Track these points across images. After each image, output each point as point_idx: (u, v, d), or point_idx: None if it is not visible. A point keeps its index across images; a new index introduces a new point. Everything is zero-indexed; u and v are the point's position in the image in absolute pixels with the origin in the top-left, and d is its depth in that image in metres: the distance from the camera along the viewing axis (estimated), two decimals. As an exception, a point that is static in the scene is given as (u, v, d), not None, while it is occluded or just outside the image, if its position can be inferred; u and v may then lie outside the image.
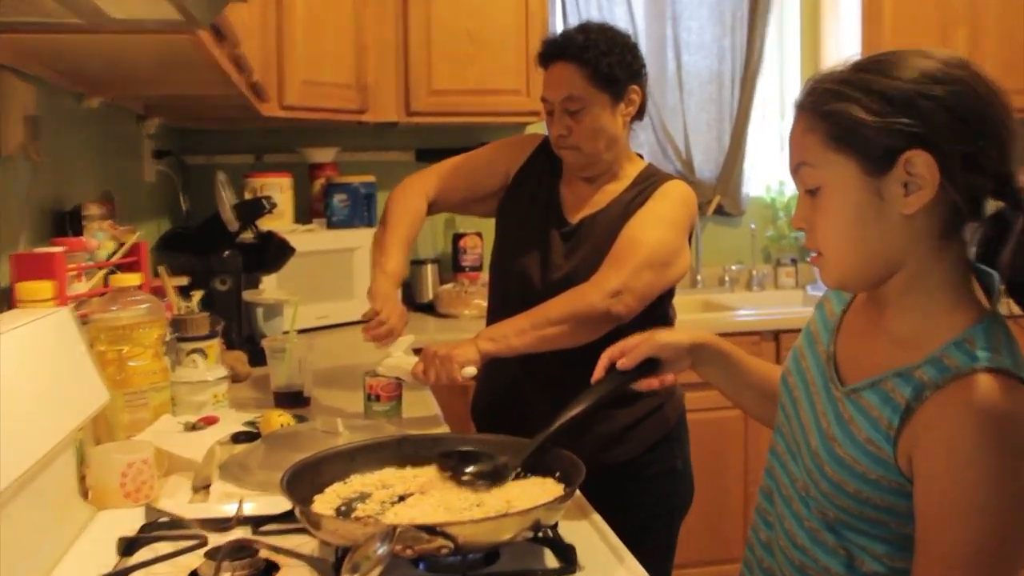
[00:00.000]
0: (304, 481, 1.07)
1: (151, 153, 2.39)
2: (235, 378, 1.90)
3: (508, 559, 0.98)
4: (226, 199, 2.11)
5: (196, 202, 2.75)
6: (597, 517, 1.14)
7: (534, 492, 1.06)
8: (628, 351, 1.13)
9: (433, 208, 1.81)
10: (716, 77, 3.40)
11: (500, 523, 0.92)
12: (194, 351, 1.64)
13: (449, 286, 3.00)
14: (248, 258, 2.12)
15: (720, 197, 3.40)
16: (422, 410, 1.72)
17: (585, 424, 1.44)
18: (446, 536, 0.86)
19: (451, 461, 1.07)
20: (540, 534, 1.00)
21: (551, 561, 0.99)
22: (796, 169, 0.94)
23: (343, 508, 1.03)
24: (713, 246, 3.48)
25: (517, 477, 1.10)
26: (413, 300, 3.08)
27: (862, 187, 0.89)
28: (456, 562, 0.92)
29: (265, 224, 2.31)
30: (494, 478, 1.05)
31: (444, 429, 1.62)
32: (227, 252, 2.10)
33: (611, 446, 1.68)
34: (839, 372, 0.99)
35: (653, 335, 1.14)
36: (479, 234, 3.10)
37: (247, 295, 2.15)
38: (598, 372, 1.13)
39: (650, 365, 1.13)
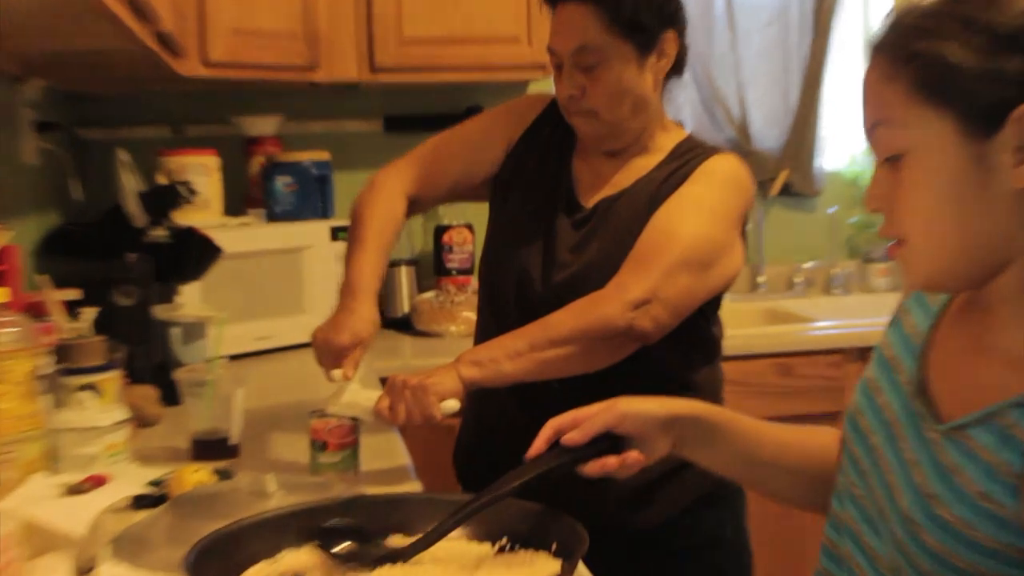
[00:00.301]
0: (217, 560, 1.07)
1: (31, 126, 2.38)
2: (142, 422, 1.91)
3: None
4: (131, 185, 2.12)
5: (92, 190, 2.73)
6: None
7: (517, 572, 1.06)
8: (580, 422, 1.14)
9: (416, 207, 1.84)
10: (780, 15, 3.39)
11: None
12: (84, 387, 1.64)
13: (430, 295, 3.01)
14: (161, 263, 2.13)
15: (788, 173, 3.41)
16: (386, 460, 1.72)
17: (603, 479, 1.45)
18: None
19: (332, 539, 1.09)
20: None
21: None
22: (872, 130, 0.95)
23: None
24: (779, 238, 3.48)
25: (503, 551, 1.12)
26: (383, 314, 3.07)
27: (960, 152, 0.89)
28: None
29: (184, 218, 2.31)
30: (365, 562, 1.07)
31: (415, 486, 1.61)
32: (132, 256, 2.11)
33: (635, 507, 1.69)
34: (933, 406, 0.99)
35: (615, 404, 1.15)
36: (469, 226, 3.10)
37: (159, 312, 2.15)
38: (537, 445, 1.14)
39: (610, 441, 1.14)
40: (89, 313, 1.82)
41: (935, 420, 0.98)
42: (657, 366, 1.65)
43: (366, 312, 1.66)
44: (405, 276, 3.09)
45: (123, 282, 2.08)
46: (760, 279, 3.46)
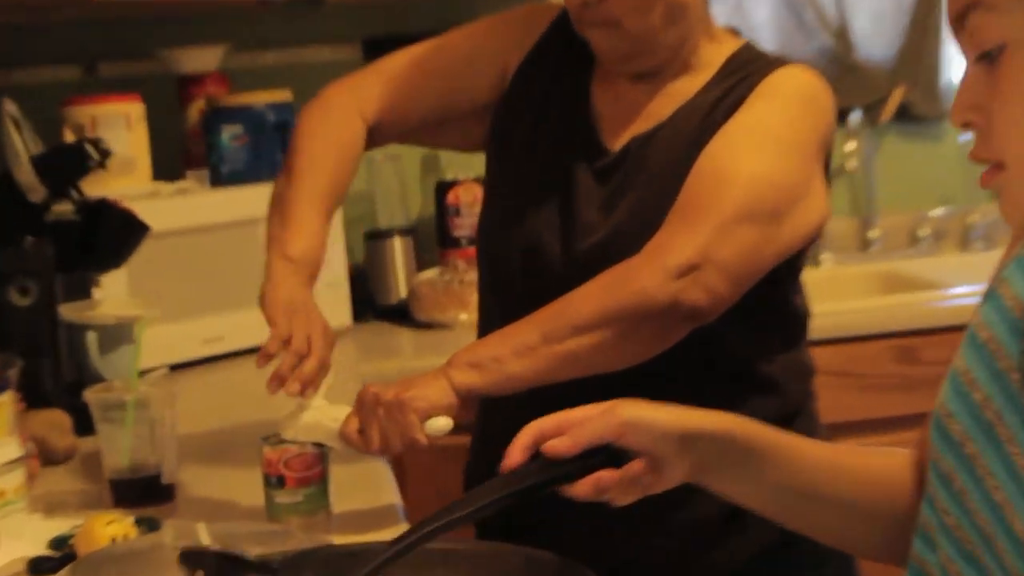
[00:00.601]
0: None
1: None
2: (48, 459, 1.94)
3: None
4: (21, 147, 2.12)
5: None
6: None
7: None
8: (569, 427, 1.14)
9: (377, 135, 1.84)
10: None
11: None
12: None
13: (432, 273, 3.02)
14: (67, 248, 2.13)
15: (904, 91, 3.38)
16: (369, 497, 1.72)
17: (645, 509, 1.46)
18: None
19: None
20: None
21: None
22: (962, 17, 0.96)
23: None
24: (896, 178, 3.45)
25: None
26: (371, 301, 3.09)
27: None
28: None
29: (99, 187, 2.31)
30: None
31: (403, 529, 1.61)
32: (27, 240, 2.11)
33: (705, 545, 1.68)
34: None
35: (616, 409, 1.15)
36: (480, 181, 3.07)
37: (68, 312, 2.16)
38: (512, 455, 1.16)
39: (608, 456, 1.15)
40: (-37, 318, 1.83)
41: None
42: (719, 355, 1.65)
43: (300, 247, 1.70)
44: (400, 250, 3.10)
45: (16, 275, 2.08)
46: (872, 234, 3.44)
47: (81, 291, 2.23)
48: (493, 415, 1.73)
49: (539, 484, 1.13)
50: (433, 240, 3.15)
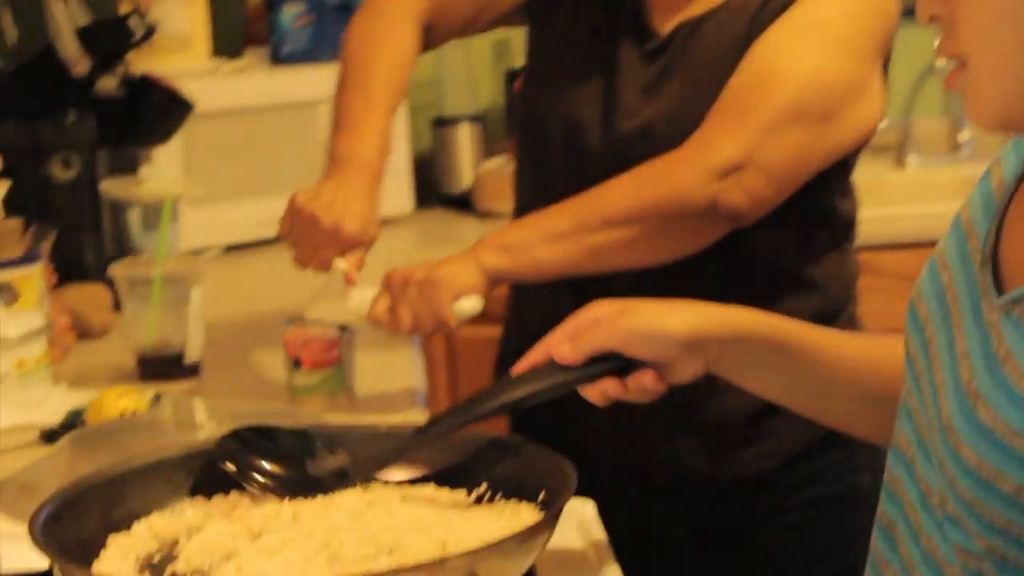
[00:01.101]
0: (91, 514, 1.14)
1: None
2: (85, 332, 1.98)
3: None
4: (66, 19, 2.14)
5: (18, 27, 2.60)
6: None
7: (493, 527, 1.11)
8: (576, 335, 1.15)
9: (433, 36, 1.83)
10: None
11: None
12: None
13: (500, 162, 3.02)
14: (110, 123, 2.15)
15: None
16: (394, 379, 1.76)
17: (670, 408, 1.45)
18: None
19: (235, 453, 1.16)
20: None
21: None
22: None
23: (157, 561, 1.11)
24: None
25: (481, 500, 1.18)
26: (435, 188, 3.11)
27: None
28: None
29: (155, 62, 2.34)
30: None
31: (418, 416, 1.65)
32: (70, 113, 2.14)
33: (733, 445, 1.68)
34: (1000, 278, 1.01)
35: (620, 317, 1.15)
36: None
37: (111, 188, 2.19)
38: (522, 365, 1.17)
39: (617, 362, 1.15)
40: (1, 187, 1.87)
41: (998, 295, 1.00)
42: (757, 254, 1.64)
43: (375, 197, 1.68)
44: (467, 138, 3.11)
45: (59, 149, 2.10)
46: (962, 137, 3.37)
47: (130, 168, 2.26)
48: (531, 301, 1.72)
49: (547, 389, 1.15)
50: (501, 129, 3.14)
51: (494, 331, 1.82)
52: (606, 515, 1.34)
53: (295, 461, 1.19)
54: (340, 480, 1.18)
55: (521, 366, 1.17)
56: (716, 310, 1.17)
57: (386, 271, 1.59)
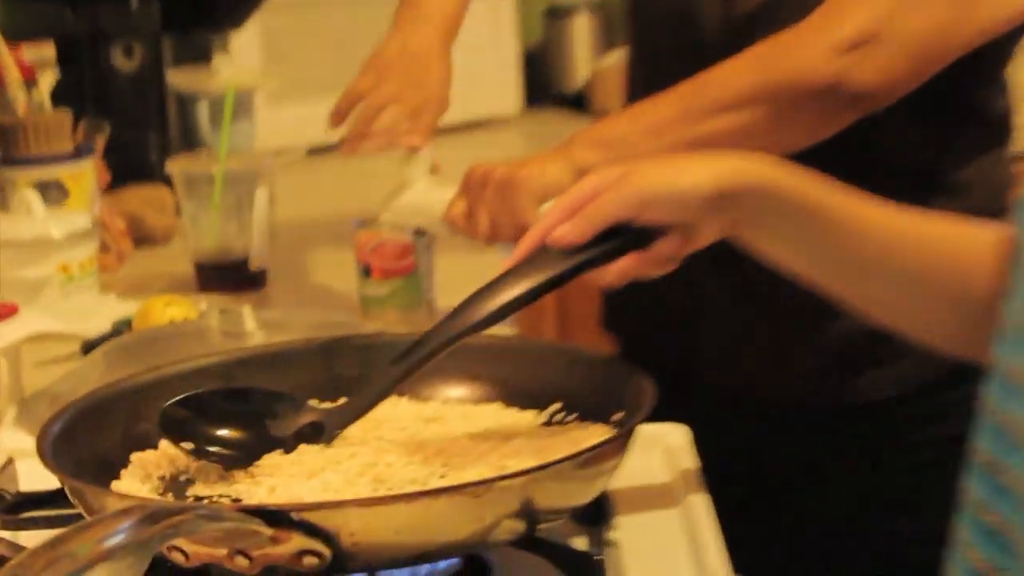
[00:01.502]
0: (112, 428, 1.09)
1: None
2: (143, 237, 1.95)
3: None
4: None
5: None
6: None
7: (561, 451, 1.02)
8: (575, 211, 1.06)
9: None
10: None
11: (435, 507, 0.88)
12: (39, 185, 1.68)
13: (620, 55, 2.88)
14: (177, 6, 2.09)
15: None
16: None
17: (788, 320, 1.42)
18: (309, 530, 0.84)
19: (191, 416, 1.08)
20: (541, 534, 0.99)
21: None
22: None
23: (184, 481, 1.05)
24: None
25: (551, 422, 1.12)
26: (547, 86, 3.03)
27: None
28: None
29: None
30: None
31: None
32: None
33: (852, 368, 1.57)
34: None
35: (629, 175, 1.06)
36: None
37: (177, 78, 2.14)
38: (523, 247, 1.08)
39: (629, 234, 1.06)
40: (46, 79, 1.84)
41: None
42: (890, 152, 1.54)
43: (447, 57, 1.64)
44: (583, 29, 3.04)
45: (121, 35, 2.04)
46: None
47: (200, 57, 2.21)
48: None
49: (543, 284, 1.05)
50: (619, 18, 3.00)
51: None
52: (704, 443, 1.26)
53: (253, 422, 1.10)
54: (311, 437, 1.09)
55: (514, 258, 1.09)
56: (736, 159, 1.10)
57: (468, 167, 1.52)
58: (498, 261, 1.76)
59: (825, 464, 1.55)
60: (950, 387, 1.50)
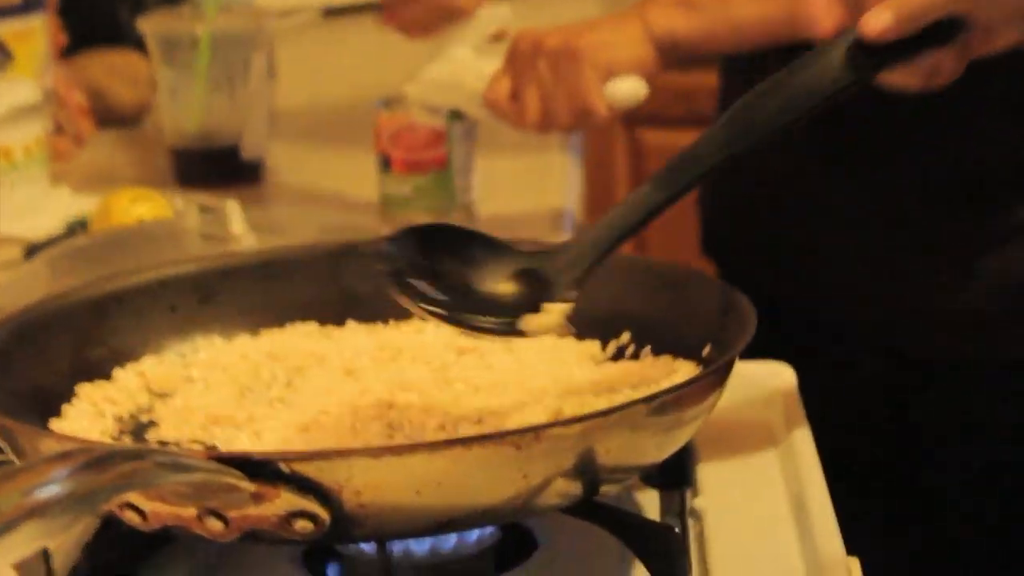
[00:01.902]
0: (56, 351, 0.98)
1: None
2: (108, 114, 1.83)
3: (560, 555, 0.89)
4: None
5: None
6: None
7: (626, 386, 0.93)
8: None
9: None
10: None
11: (467, 460, 0.76)
12: None
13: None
14: None
15: None
16: (532, 197, 1.63)
17: (939, 256, 1.31)
18: (302, 486, 0.73)
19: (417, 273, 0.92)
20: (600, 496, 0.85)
21: None
22: None
23: (146, 421, 0.95)
24: None
25: (621, 356, 1.00)
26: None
27: None
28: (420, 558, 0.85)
29: None
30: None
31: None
32: None
33: (1003, 317, 1.42)
34: None
35: None
36: None
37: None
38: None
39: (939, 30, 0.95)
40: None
41: None
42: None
43: None
44: None
45: None
46: None
47: None
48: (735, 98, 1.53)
49: (854, 82, 0.93)
50: None
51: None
52: (812, 393, 1.16)
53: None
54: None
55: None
56: None
57: (515, 34, 1.41)
58: (557, 161, 1.75)
59: (968, 431, 1.41)
60: None
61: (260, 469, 0.71)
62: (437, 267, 0.91)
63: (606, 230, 0.92)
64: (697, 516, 0.89)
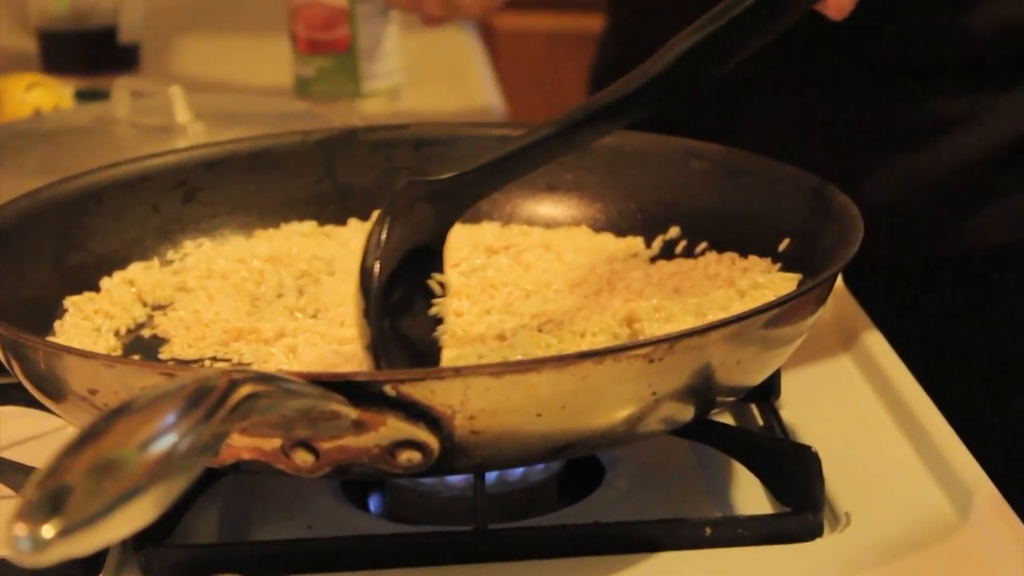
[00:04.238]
0: (36, 259, 0.93)
1: None
2: None
3: (631, 482, 0.84)
4: None
5: None
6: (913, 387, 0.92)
7: (716, 296, 0.88)
8: None
9: None
10: None
11: (597, 376, 0.72)
12: None
13: None
14: None
15: None
16: (453, 82, 1.63)
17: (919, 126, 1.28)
18: (412, 412, 0.68)
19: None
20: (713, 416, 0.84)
21: (751, 499, 0.83)
22: None
23: (148, 336, 0.90)
24: None
25: (671, 253, 0.96)
26: None
27: None
28: (461, 488, 0.82)
29: None
30: None
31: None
32: None
33: (986, 188, 1.41)
34: None
35: None
36: None
37: None
38: None
39: None
40: None
41: None
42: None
43: None
44: None
45: None
46: None
47: None
48: None
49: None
50: None
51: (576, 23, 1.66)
52: None
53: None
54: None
55: None
56: None
57: None
58: (460, 41, 1.73)
59: (929, 335, 1.39)
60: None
61: (363, 392, 0.66)
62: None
63: (483, 172, 0.86)
64: (790, 430, 0.84)
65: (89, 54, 1.63)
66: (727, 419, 0.87)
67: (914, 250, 1.38)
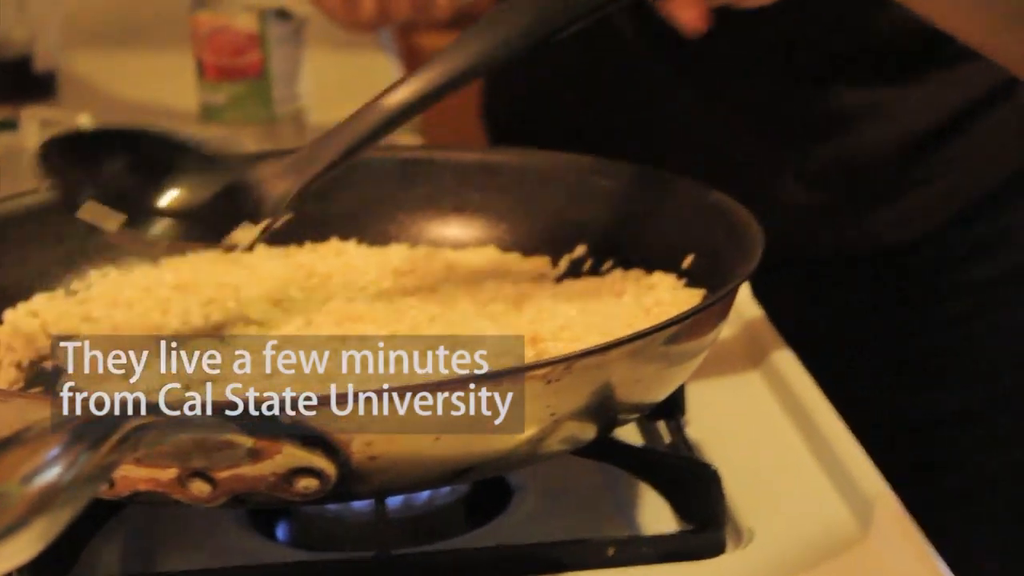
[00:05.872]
0: None
1: None
2: None
3: (538, 504, 0.86)
4: None
5: None
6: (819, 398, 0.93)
7: (621, 314, 0.88)
8: None
9: None
10: None
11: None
12: None
13: None
14: None
15: None
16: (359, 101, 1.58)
17: (780, 147, 1.30)
18: (308, 440, 0.69)
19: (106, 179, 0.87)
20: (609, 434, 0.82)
21: (659, 517, 0.84)
22: None
23: (50, 368, 0.89)
24: None
25: (577, 272, 0.97)
26: None
27: None
28: (366, 514, 0.81)
29: None
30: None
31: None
32: None
33: (864, 204, 1.41)
34: None
35: None
36: None
37: None
38: None
39: None
40: None
41: None
42: None
43: None
44: None
45: None
46: None
47: None
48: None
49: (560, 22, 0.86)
50: None
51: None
52: None
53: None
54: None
55: None
56: None
57: None
58: (377, 62, 1.70)
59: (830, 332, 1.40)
60: (1001, 211, 1.40)
61: (257, 420, 0.66)
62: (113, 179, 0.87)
63: (333, 137, 0.89)
64: (695, 447, 0.85)
65: (3, 83, 1.64)
66: (635, 437, 0.88)
67: (825, 245, 1.38)
